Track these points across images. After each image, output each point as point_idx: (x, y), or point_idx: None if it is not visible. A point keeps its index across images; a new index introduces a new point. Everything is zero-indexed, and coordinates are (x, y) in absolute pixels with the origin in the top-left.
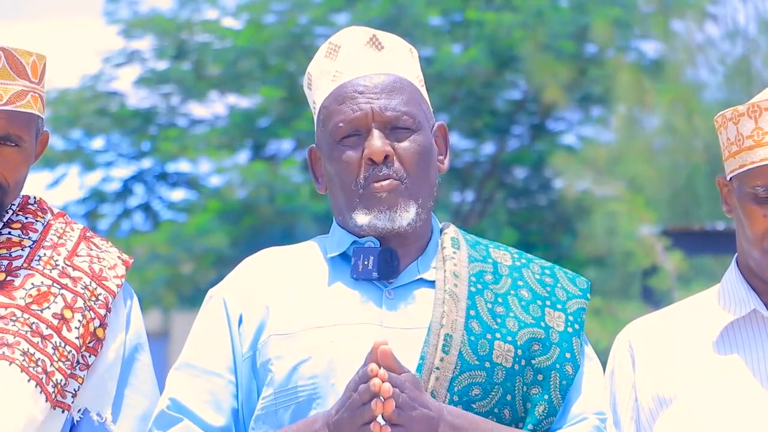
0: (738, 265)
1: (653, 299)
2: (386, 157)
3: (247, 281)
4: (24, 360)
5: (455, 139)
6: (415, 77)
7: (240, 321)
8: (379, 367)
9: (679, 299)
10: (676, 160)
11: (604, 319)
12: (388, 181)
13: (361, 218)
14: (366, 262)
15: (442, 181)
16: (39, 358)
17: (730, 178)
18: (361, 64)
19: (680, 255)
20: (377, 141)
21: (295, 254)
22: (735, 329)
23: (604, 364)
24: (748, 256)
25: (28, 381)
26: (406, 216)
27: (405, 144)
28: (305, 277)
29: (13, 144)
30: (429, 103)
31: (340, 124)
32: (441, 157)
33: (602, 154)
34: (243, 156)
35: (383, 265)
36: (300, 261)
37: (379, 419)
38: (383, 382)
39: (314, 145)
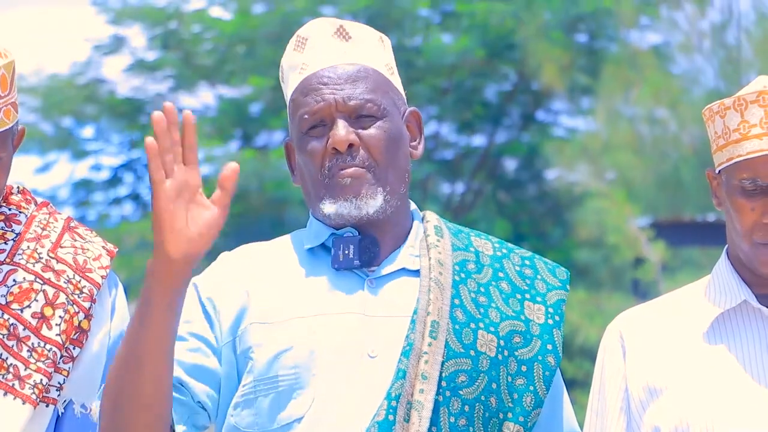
0: (729, 257)
1: (640, 291)
2: (351, 146)
3: (226, 274)
4: None
5: (446, 130)
6: (384, 65)
7: (216, 309)
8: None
9: (665, 290)
10: (663, 151)
11: (591, 312)
12: (352, 169)
13: (328, 207)
14: (347, 251)
15: (433, 173)
16: (11, 364)
17: (719, 171)
18: (326, 55)
19: (663, 246)
20: (341, 130)
21: (274, 247)
22: (726, 320)
23: (594, 359)
24: (738, 248)
25: None
26: (373, 203)
27: (371, 131)
28: (285, 268)
29: None
30: (401, 90)
31: (305, 116)
32: (414, 143)
33: (591, 143)
34: (233, 145)
35: (363, 253)
36: (279, 253)
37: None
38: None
39: (289, 139)
